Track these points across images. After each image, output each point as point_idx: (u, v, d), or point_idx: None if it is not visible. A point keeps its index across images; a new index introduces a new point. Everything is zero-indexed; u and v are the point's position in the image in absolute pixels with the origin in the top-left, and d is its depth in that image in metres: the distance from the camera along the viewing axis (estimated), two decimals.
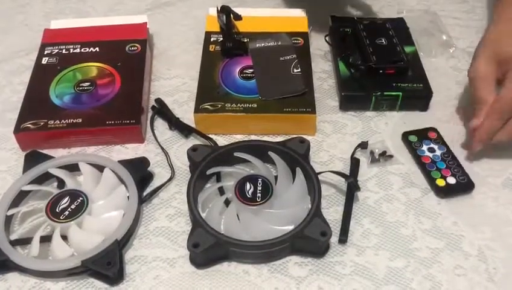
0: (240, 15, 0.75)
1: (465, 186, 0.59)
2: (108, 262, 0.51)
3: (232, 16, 0.75)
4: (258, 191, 0.56)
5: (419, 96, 0.69)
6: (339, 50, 0.73)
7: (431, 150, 0.62)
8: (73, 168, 0.60)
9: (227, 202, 0.57)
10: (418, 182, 0.61)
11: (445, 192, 0.59)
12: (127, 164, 0.59)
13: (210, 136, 0.65)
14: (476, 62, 0.62)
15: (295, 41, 0.74)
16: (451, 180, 0.59)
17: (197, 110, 0.65)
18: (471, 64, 0.64)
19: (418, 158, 0.62)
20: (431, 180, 0.59)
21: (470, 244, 0.55)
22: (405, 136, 0.64)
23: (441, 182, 0.59)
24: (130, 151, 0.65)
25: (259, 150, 0.61)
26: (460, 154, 0.63)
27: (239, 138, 0.66)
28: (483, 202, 0.59)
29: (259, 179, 0.57)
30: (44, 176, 0.59)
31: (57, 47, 0.73)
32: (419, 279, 0.52)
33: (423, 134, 0.64)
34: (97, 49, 0.73)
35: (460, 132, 0.66)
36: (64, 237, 0.54)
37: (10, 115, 0.67)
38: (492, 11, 0.85)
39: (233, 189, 0.56)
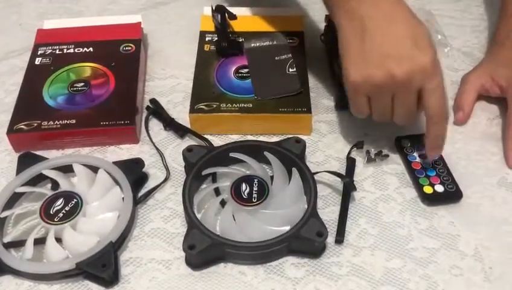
0: (235, 14, 0.75)
1: (452, 195, 0.58)
2: (103, 264, 0.51)
3: (226, 15, 0.74)
4: (254, 192, 0.56)
5: None
6: (335, 49, 0.73)
7: (423, 156, 0.62)
8: (67, 169, 0.59)
9: (223, 203, 0.57)
10: None
11: (431, 200, 0.58)
12: (121, 164, 0.59)
13: (205, 136, 0.65)
14: (472, 72, 0.70)
15: (290, 40, 0.73)
16: (439, 188, 0.59)
17: (192, 110, 0.65)
18: (470, 71, 0.71)
19: (408, 163, 0.61)
20: (419, 187, 0.59)
21: (466, 244, 0.55)
22: (398, 140, 0.64)
23: (428, 190, 0.59)
24: (125, 152, 0.64)
25: (255, 150, 0.60)
26: (452, 161, 0.62)
27: (234, 138, 0.66)
28: (479, 202, 0.59)
29: (255, 180, 0.57)
30: (38, 178, 0.59)
31: (50, 47, 0.72)
32: (416, 279, 0.52)
33: (417, 140, 0.64)
34: (91, 49, 0.72)
35: (455, 134, 0.66)
36: (59, 239, 0.53)
37: (3, 116, 0.66)
38: (487, 9, 0.85)
39: (229, 190, 0.56)
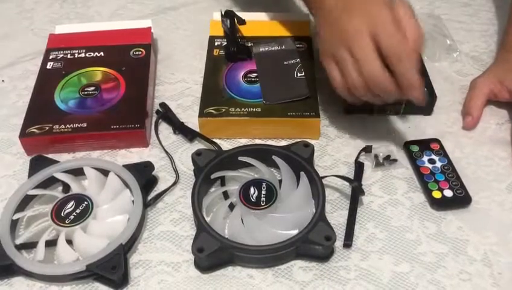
0: (244, 19, 0.76)
1: (461, 200, 0.58)
2: (113, 266, 0.51)
3: (236, 20, 0.75)
4: (262, 195, 0.56)
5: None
6: None
7: (431, 161, 0.62)
8: (78, 172, 0.60)
9: (231, 206, 0.57)
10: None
11: (439, 204, 0.58)
12: (131, 168, 0.60)
13: (214, 140, 0.65)
14: (481, 77, 0.70)
15: (299, 45, 0.74)
16: (448, 193, 0.59)
17: (201, 114, 0.65)
18: (479, 76, 0.71)
19: (417, 168, 0.62)
20: (427, 192, 0.59)
21: (475, 249, 0.55)
22: (406, 145, 0.64)
23: (437, 194, 0.59)
24: (135, 155, 0.65)
25: (264, 154, 0.61)
26: (461, 166, 0.62)
27: (243, 142, 0.66)
28: (488, 207, 0.59)
29: (264, 183, 0.57)
30: (49, 181, 0.60)
31: (61, 52, 0.73)
32: (424, 284, 0.52)
33: (425, 144, 0.64)
34: (102, 53, 0.73)
35: (464, 139, 0.66)
36: (69, 242, 0.54)
37: (15, 119, 0.67)
38: (496, 14, 0.85)
39: (237, 193, 0.57)
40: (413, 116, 0.69)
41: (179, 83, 0.74)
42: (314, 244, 0.52)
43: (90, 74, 0.71)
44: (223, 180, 0.61)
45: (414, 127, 0.68)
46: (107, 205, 0.57)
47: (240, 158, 0.60)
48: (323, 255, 0.54)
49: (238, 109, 0.65)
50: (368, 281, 0.53)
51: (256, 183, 0.57)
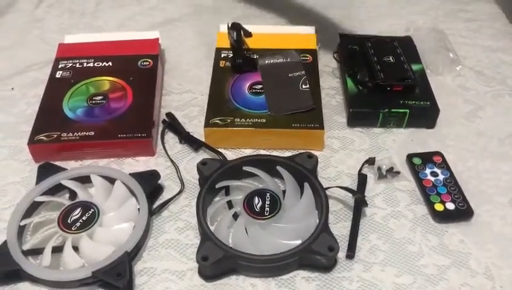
0: (250, 32, 0.77)
1: (463, 213, 0.59)
2: (118, 273, 0.52)
3: (242, 32, 0.76)
4: (266, 205, 0.57)
5: (426, 114, 0.69)
6: (347, 67, 0.75)
7: (434, 174, 0.63)
8: (85, 180, 0.61)
9: (235, 216, 0.58)
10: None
11: (442, 217, 0.59)
12: (137, 176, 0.60)
13: (219, 150, 0.66)
14: None
15: (304, 58, 0.75)
16: (450, 206, 0.59)
17: (207, 124, 0.66)
18: None
19: (419, 181, 0.62)
20: (430, 204, 0.60)
21: (477, 262, 0.55)
22: (409, 157, 0.65)
23: (439, 207, 0.59)
24: (141, 164, 0.66)
25: (268, 164, 0.61)
26: (463, 179, 0.63)
27: (248, 152, 0.67)
28: (490, 220, 0.59)
29: (268, 194, 0.58)
30: (56, 188, 0.60)
31: (70, 61, 0.75)
32: None
33: (428, 157, 0.65)
34: (110, 63, 0.74)
35: (467, 152, 0.67)
36: (76, 248, 0.54)
37: (24, 127, 0.68)
38: (499, 30, 0.86)
39: (241, 203, 0.57)
40: (416, 129, 0.70)
41: (185, 94, 0.75)
42: (317, 254, 0.53)
43: (98, 83, 0.72)
44: (227, 190, 0.62)
45: (417, 140, 0.68)
46: (113, 213, 0.58)
47: (245, 168, 0.61)
48: (326, 266, 0.55)
49: (243, 120, 0.66)
50: None
51: (261, 193, 0.58)
